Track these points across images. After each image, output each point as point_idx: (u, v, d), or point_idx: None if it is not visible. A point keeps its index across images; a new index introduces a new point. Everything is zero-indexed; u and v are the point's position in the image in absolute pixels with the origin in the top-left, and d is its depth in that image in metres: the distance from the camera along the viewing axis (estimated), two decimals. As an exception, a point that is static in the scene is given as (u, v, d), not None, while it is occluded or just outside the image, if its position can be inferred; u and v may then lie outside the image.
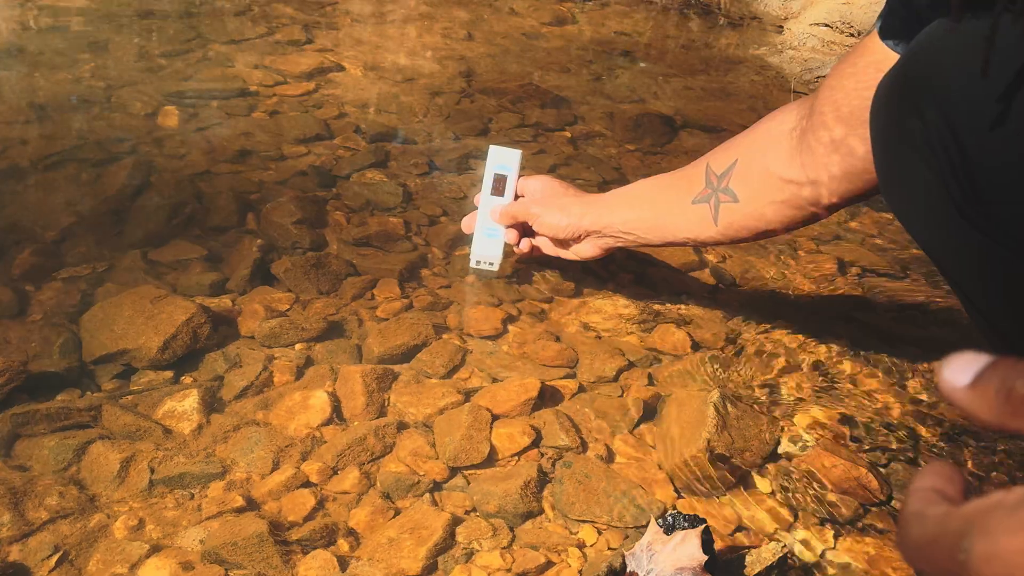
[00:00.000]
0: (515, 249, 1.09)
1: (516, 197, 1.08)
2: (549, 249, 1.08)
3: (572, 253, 1.06)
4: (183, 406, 0.85)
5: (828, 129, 0.78)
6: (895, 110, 0.63)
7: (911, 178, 0.63)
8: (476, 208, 1.09)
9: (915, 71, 0.61)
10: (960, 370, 0.27)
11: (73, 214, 1.12)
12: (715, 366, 1.00)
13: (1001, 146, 0.55)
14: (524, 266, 1.14)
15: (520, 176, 1.08)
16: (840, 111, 0.77)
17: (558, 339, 1.01)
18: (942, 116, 0.58)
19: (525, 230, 1.08)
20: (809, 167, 0.82)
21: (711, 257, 1.23)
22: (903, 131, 0.62)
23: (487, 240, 1.08)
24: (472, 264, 1.10)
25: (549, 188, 1.07)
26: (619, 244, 1.02)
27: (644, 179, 1.04)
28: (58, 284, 1.00)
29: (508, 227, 1.07)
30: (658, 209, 0.98)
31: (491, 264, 1.09)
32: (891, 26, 0.72)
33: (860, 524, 0.80)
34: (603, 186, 1.36)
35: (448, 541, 0.74)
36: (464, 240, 1.16)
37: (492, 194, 1.08)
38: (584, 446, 0.86)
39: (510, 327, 1.03)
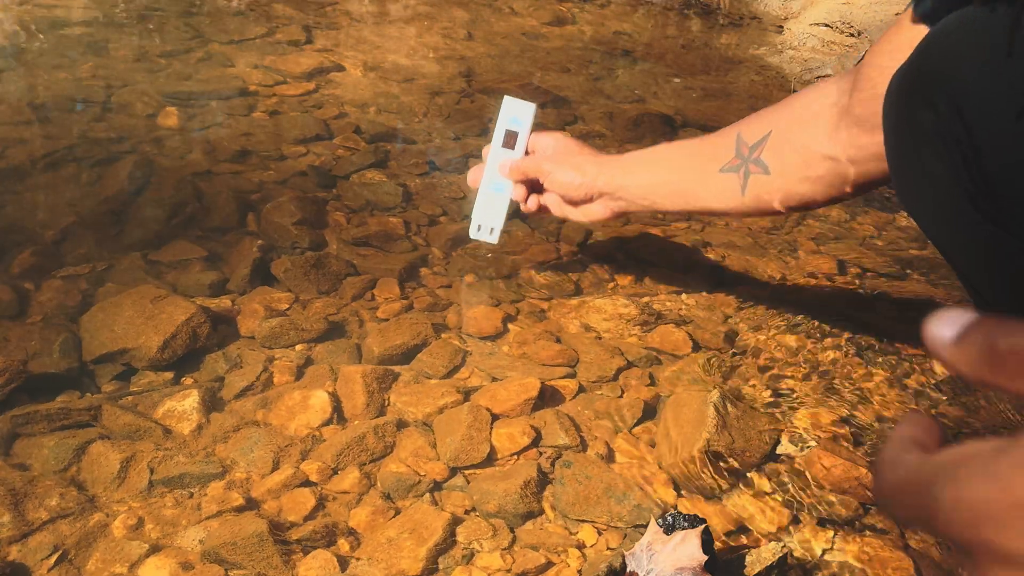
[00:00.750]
0: (522, 207, 1.04)
1: (527, 153, 1.04)
2: (557, 208, 1.03)
3: (581, 214, 1.02)
4: (183, 406, 0.85)
5: (866, 106, 0.77)
6: (907, 102, 0.63)
7: (922, 171, 0.63)
8: (483, 162, 1.04)
9: (928, 64, 0.61)
10: (946, 325, 0.27)
11: (73, 214, 1.12)
12: (715, 366, 1.00)
13: (1016, 142, 0.55)
14: (524, 266, 1.14)
15: (532, 132, 1.03)
16: (876, 89, 0.75)
17: (558, 339, 1.01)
18: (955, 109, 0.58)
19: (534, 187, 1.04)
20: (849, 145, 0.80)
21: (711, 257, 1.23)
22: (915, 123, 0.62)
23: (492, 197, 1.03)
24: (472, 232, 1.06)
25: (563, 146, 1.02)
26: (632, 209, 0.99)
27: (665, 143, 0.99)
28: (58, 284, 1.00)
29: (516, 183, 1.03)
30: (681, 175, 0.94)
31: (492, 231, 1.05)
32: (923, 4, 0.71)
33: (860, 524, 0.80)
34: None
35: (448, 541, 0.74)
36: (466, 240, 1.15)
37: (502, 147, 1.03)
38: (584, 446, 0.86)
39: (510, 327, 1.03)
